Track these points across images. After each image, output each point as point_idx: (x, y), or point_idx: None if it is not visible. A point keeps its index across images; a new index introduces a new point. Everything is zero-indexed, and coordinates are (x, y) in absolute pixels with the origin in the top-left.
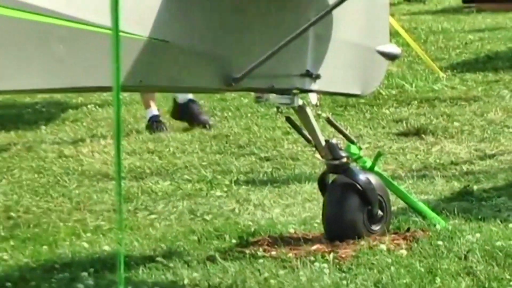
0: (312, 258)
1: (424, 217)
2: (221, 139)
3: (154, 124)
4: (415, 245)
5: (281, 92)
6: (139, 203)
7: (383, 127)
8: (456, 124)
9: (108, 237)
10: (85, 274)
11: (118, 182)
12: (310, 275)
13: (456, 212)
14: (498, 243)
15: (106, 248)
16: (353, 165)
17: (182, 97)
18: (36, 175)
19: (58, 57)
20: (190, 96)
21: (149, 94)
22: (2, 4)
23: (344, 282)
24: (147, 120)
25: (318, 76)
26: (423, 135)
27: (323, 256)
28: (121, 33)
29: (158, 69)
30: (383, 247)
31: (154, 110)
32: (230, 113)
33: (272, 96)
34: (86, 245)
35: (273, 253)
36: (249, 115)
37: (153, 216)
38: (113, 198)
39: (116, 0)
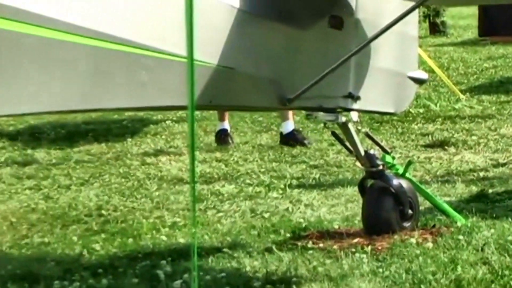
0: (353, 250)
1: (447, 215)
2: (277, 150)
3: (222, 136)
4: (440, 239)
5: (328, 110)
6: (208, 203)
7: (412, 140)
8: (474, 137)
9: (183, 232)
10: (163, 262)
11: (192, 185)
12: (352, 263)
13: (474, 212)
14: (510, 238)
15: (181, 240)
16: (387, 172)
17: (286, 129)
18: (123, 180)
19: (142, 81)
20: (293, 126)
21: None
22: (93, 37)
23: (380, 270)
24: (216, 131)
25: (358, 97)
26: (446, 147)
27: (362, 248)
28: (195, 62)
29: (225, 91)
30: (413, 240)
31: (226, 124)
32: None
33: (320, 114)
34: (164, 238)
35: (321, 245)
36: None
37: (220, 214)
38: (187, 199)
39: (191, 35)
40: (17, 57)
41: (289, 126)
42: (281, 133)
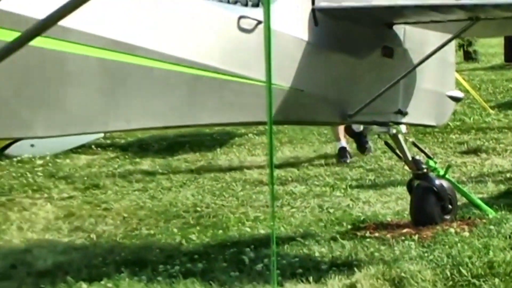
0: (403, 238)
1: (480, 209)
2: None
3: (341, 153)
4: (474, 228)
5: (381, 124)
6: (284, 201)
7: (451, 148)
8: (501, 145)
9: (263, 224)
10: (248, 249)
11: (271, 186)
12: (402, 249)
13: (502, 206)
14: None
15: (262, 231)
16: (431, 174)
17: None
18: (213, 182)
19: (229, 101)
20: (342, 145)
21: (339, 129)
22: (191, 66)
23: (425, 254)
24: (336, 149)
25: (406, 113)
26: (478, 153)
27: (410, 237)
28: (272, 85)
29: (297, 109)
30: (452, 230)
31: (343, 142)
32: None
33: (375, 127)
34: (248, 229)
35: (376, 234)
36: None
37: (293, 210)
38: (266, 197)
39: (269, 63)
40: (130, 84)
41: (340, 144)
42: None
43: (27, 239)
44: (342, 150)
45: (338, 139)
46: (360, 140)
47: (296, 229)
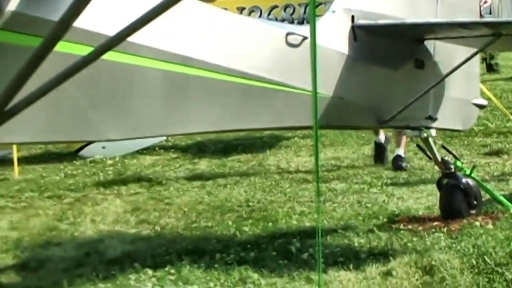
0: (433, 230)
1: (502, 204)
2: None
3: (396, 160)
4: (497, 222)
5: (413, 128)
6: (326, 197)
7: (475, 150)
8: None
9: (308, 218)
10: (294, 240)
11: (317, 184)
12: (432, 240)
13: None
14: None
15: (307, 224)
16: (458, 173)
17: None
18: (264, 180)
19: (277, 108)
20: (400, 152)
21: (401, 137)
22: (244, 77)
23: (454, 245)
24: (393, 155)
25: (436, 119)
26: (500, 154)
27: (440, 229)
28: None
29: (337, 115)
30: (477, 223)
31: (401, 151)
32: None
33: (408, 131)
34: (295, 222)
35: (409, 227)
36: (392, 141)
37: (335, 205)
38: (311, 194)
39: (315, 74)
40: (189, 92)
41: (399, 151)
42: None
43: (99, 230)
44: (398, 157)
45: (398, 146)
46: (381, 151)
47: (338, 222)
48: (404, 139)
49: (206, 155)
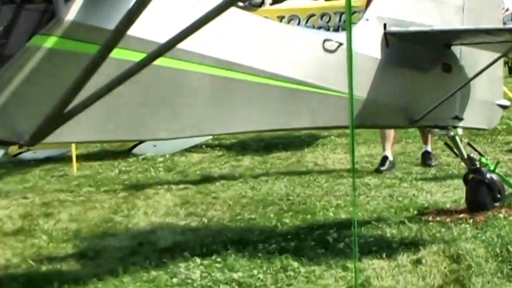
0: (460, 222)
1: None
2: (407, 155)
3: (425, 157)
4: None
5: (441, 127)
6: (360, 191)
7: (499, 147)
8: None
9: (344, 210)
10: (331, 231)
11: (353, 179)
12: (459, 231)
13: None
14: None
15: (343, 216)
16: (483, 169)
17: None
18: (302, 175)
19: (315, 109)
20: (428, 148)
21: (426, 134)
22: (284, 80)
23: (479, 235)
24: (421, 152)
25: (462, 118)
26: None
27: (466, 220)
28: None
29: (371, 116)
30: (501, 215)
31: (428, 147)
32: (412, 139)
33: (436, 130)
34: (331, 214)
35: (437, 219)
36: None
37: (368, 198)
38: (346, 188)
39: (351, 77)
40: (235, 95)
41: (426, 147)
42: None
43: (151, 222)
44: (427, 153)
45: (425, 143)
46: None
47: (371, 214)
48: (430, 136)
49: (248, 153)
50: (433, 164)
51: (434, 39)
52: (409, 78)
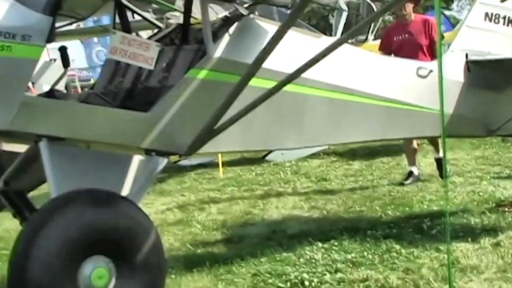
0: None
1: None
2: (485, 159)
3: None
4: None
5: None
6: (449, 188)
7: None
8: None
9: (435, 203)
10: (426, 220)
11: (446, 178)
12: None
13: None
14: None
15: (435, 208)
16: None
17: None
18: (401, 176)
19: (411, 123)
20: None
21: (435, 143)
22: (385, 100)
23: None
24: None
25: None
26: None
27: None
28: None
29: (457, 127)
30: None
31: (440, 154)
32: (489, 145)
33: (510, 138)
34: (425, 207)
35: None
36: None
37: (455, 194)
38: (437, 185)
39: (442, 97)
40: (348, 112)
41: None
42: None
43: (281, 214)
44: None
45: (437, 152)
46: (440, 164)
47: (457, 207)
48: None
49: (357, 158)
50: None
51: (507, 65)
52: (486, 97)
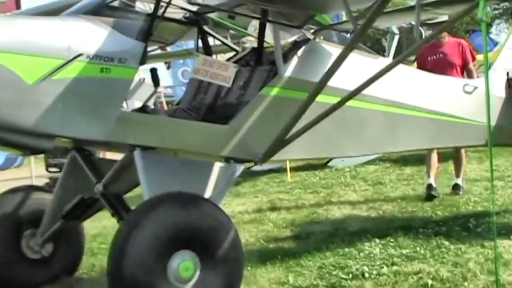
0: None
1: None
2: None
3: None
4: None
5: None
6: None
7: None
8: None
9: (480, 204)
10: (471, 219)
11: (491, 183)
12: None
13: None
14: None
15: (479, 209)
16: None
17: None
18: (449, 180)
19: (458, 133)
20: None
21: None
22: (431, 112)
23: None
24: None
25: None
26: None
27: None
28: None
29: (499, 136)
30: None
31: (459, 180)
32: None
33: None
34: (471, 207)
35: None
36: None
37: (496, 196)
38: (481, 189)
39: (488, 110)
40: (399, 124)
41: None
42: None
43: (343, 213)
44: (456, 185)
45: (457, 176)
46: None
47: (500, 208)
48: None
49: (409, 164)
50: (460, 193)
51: None
52: None
